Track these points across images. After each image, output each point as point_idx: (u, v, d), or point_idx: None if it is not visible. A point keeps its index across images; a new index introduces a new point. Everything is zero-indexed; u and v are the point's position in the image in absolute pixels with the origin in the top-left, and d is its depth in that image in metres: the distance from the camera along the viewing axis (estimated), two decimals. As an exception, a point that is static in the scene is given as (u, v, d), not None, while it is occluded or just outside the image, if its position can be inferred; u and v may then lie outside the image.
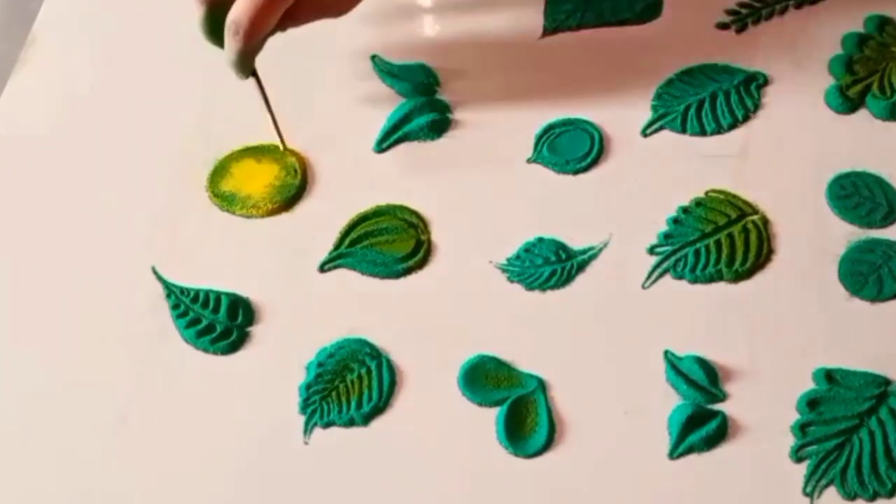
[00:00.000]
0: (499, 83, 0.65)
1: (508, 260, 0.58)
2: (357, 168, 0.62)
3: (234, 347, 0.56)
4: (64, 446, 0.53)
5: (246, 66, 0.59)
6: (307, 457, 0.52)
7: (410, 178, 0.61)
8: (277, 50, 0.67)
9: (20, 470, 0.53)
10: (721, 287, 0.56)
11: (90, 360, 0.56)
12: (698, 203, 0.59)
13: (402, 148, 0.63)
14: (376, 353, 0.55)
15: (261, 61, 0.66)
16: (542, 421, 0.52)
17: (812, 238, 0.57)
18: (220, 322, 0.56)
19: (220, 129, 0.64)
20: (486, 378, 0.54)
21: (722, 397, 0.52)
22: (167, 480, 0.52)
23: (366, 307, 0.57)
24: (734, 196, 0.59)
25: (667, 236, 0.58)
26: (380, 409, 0.53)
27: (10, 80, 0.67)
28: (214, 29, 0.58)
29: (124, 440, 0.53)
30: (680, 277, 0.56)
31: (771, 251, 0.57)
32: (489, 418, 0.53)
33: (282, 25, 0.59)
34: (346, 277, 0.58)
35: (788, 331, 0.54)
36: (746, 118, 0.62)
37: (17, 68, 0.68)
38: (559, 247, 0.58)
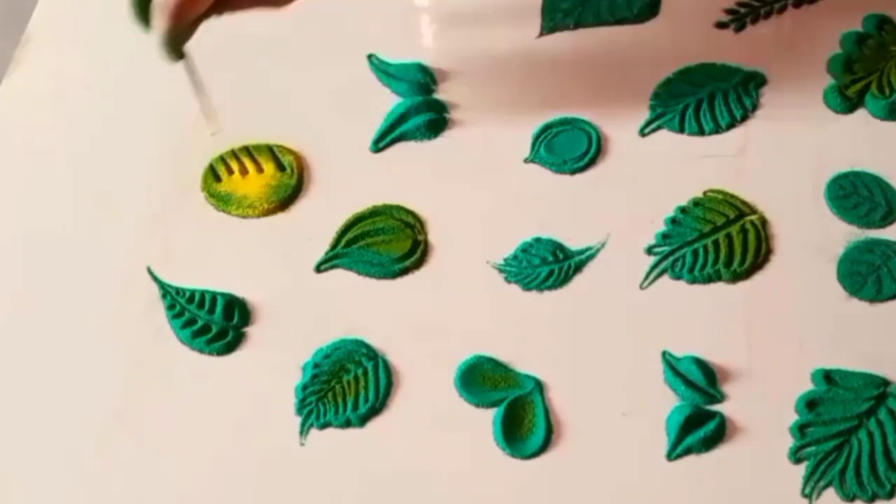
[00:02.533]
0: (496, 83, 0.64)
1: (506, 260, 0.58)
2: (353, 168, 0.62)
3: (229, 348, 0.56)
4: (59, 446, 0.53)
5: (174, 48, 0.58)
6: (303, 458, 0.52)
7: (407, 178, 0.61)
8: (274, 49, 0.67)
9: (14, 469, 0.53)
10: (719, 287, 0.56)
11: (85, 360, 0.56)
12: (696, 203, 0.59)
13: (399, 147, 0.62)
14: (373, 354, 0.55)
15: (258, 61, 0.66)
16: (539, 422, 0.52)
17: (811, 238, 0.57)
18: (216, 323, 0.56)
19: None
20: (483, 379, 0.53)
21: (720, 398, 0.52)
22: (162, 481, 0.52)
23: (362, 308, 0.56)
24: (732, 196, 0.59)
25: (665, 236, 0.58)
26: (376, 409, 0.53)
27: (5, 79, 0.67)
28: (142, 10, 0.57)
29: (120, 440, 0.53)
30: (678, 278, 0.56)
31: (769, 251, 0.57)
32: (486, 419, 0.52)
33: (217, 10, 0.59)
34: (342, 278, 0.58)
35: (787, 331, 0.54)
36: (745, 118, 0.62)
37: (11, 67, 0.68)
38: (557, 247, 0.58)
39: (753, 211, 0.58)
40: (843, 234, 0.57)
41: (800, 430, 0.51)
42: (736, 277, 0.56)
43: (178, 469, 0.52)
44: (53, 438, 0.53)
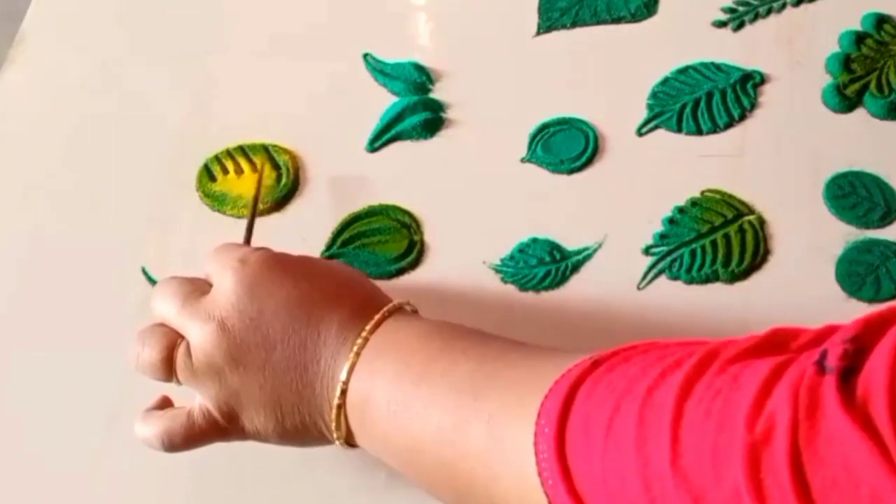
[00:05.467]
0: (493, 82, 0.64)
1: (502, 260, 0.57)
2: (349, 168, 0.61)
3: (224, 349, 0.55)
4: (54, 447, 0.53)
5: None
6: (299, 457, 0.52)
7: (403, 178, 0.61)
8: (269, 48, 0.66)
9: (9, 470, 0.53)
10: (717, 288, 0.56)
11: (80, 360, 0.55)
12: (694, 203, 0.58)
13: (395, 147, 0.62)
14: (368, 355, 0.54)
15: (253, 60, 0.66)
16: (536, 424, 0.51)
17: (809, 238, 0.57)
18: (211, 324, 0.56)
19: (210, 128, 0.63)
20: (479, 380, 0.53)
21: (718, 400, 0.52)
22: (157, 482, 0.52)
23: (358, 308, 0.56)
24: (730, 196, 0.58)
25: (662, 236, 0.57)
26: (372, 411, 0.53)
27: (-1, 78, 0.67)
28: None
29: (114, 441, 0.53)
30: (675, 278, 0.56)
31: (767, 252, 0.57)
32: (482, 421, 0.52)
33: None
34: (338, 278, 0.57)
35: (785, 332, 0.54)
36: (743, 117, 0.62)
37: (5, 67, 0.67)
38: (553, 247, 0.57)
39: (751, 211, 0.58)
40: (841, 235, 0.57)
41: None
42: (734, 278, 0.56)
43: (172, 469, 0.52)
44: (48, 440, 0.53)
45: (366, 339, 0.46)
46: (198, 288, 0.49)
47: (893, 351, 0.29)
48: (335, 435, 0.46)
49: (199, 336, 0.47)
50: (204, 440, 0.48)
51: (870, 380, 0.30)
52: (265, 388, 0.46)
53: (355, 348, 0.45)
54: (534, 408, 0.39)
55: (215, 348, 0.46)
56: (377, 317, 0.46)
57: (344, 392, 0.45)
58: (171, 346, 0.47)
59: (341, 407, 0.45)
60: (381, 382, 0.44)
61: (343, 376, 0.45)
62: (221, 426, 0.47)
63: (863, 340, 0.31)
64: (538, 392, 0.40)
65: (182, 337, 0.48)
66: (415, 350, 0.45)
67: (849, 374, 0.30)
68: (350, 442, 0.46)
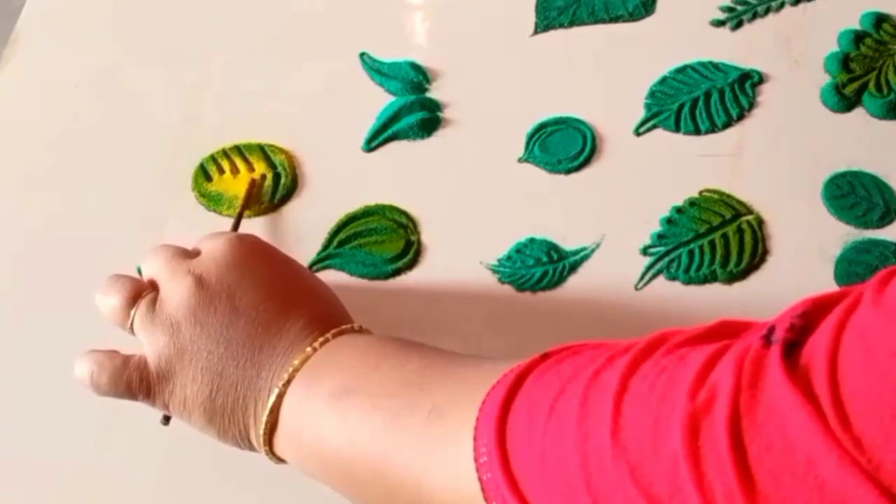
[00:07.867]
0: (490, 81, 0.64)
1: (499, 261, 0.57)
2: (346, 167, 0.61)
3: (220, 350, 0.55)
4: (50, 446, 0.53)
5: None
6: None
7: (400, 178, 0.60)
8: (265, 48, 0.66)
9: (6, 469, 0.53)
10: (715, 288, 0.55)
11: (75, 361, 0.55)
12: (692, 203, 0.58)
13: (392, 147, 0.62)
14: (365, 356, 0.54)
15: (249, 60, 0.66)
16: (533, 425, 0.51)
17: (808, 239, 0.57)
18: (206, 324, 0.56)
19: (206, 128, 0.63)
20: (476, 381, 0.53)
21: (716, 401, 0.51)
22: (153, 481, 0.52)
23: (355, 309, 0.55)
24: (728, 196, 0.58)
25: (660, 237, 0.57)
26: (368, 413, 0.53)
27: (-7, 77, 0.67)
28: None
29: (110, 441, 0.53)
30: (673, 278, 0.56)
31: (766, 252, 0.56)
32: (479, 422, 0.52)
33: None
34: (334, 278, 0.57)
35: (784, 333, 0.53)
36: (741, 117, 0.62)
37: (-1, 66, 0.67)
38: (551, 247, 0.57)
39: (750, 211, 0.58)
40: (840, 235, 0.57)
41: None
42: (732, 278, 0.56)
43: (168, 469, 0.52)
44: (44, 438, 0.53)
45: (326, 339, 0.46)
46: (189, 254, 0.50)
47: (837, 324, 0.30)
48: (261, 427, 0.45)
49: (172, 288, 0.48)
50: (127, 392, 0.48)
51: (813, 350, 0.30)
52: (213, 356, 0.46)
53: (315, 344, 0.46)
54: (479, 398, 0.39)
55: (182, 301, 0.47)
56: (343, 326, 0.47)
57: (290, 381, 0.45)
58: (136, 294, 0.49)
59: (282, 396, 0.45)
60: (332, 372, 0.45)
61: (296, 363, 0.45)
62: (150, 384, 0.47)
63: (811, 317, 0.31)
64: (487, 384, 0.40)
65: (153, 290, 0.49)
66: (372, 346, 0.46)
67: (794, 347, 0.31)
68: (271, 440, 0.46)
